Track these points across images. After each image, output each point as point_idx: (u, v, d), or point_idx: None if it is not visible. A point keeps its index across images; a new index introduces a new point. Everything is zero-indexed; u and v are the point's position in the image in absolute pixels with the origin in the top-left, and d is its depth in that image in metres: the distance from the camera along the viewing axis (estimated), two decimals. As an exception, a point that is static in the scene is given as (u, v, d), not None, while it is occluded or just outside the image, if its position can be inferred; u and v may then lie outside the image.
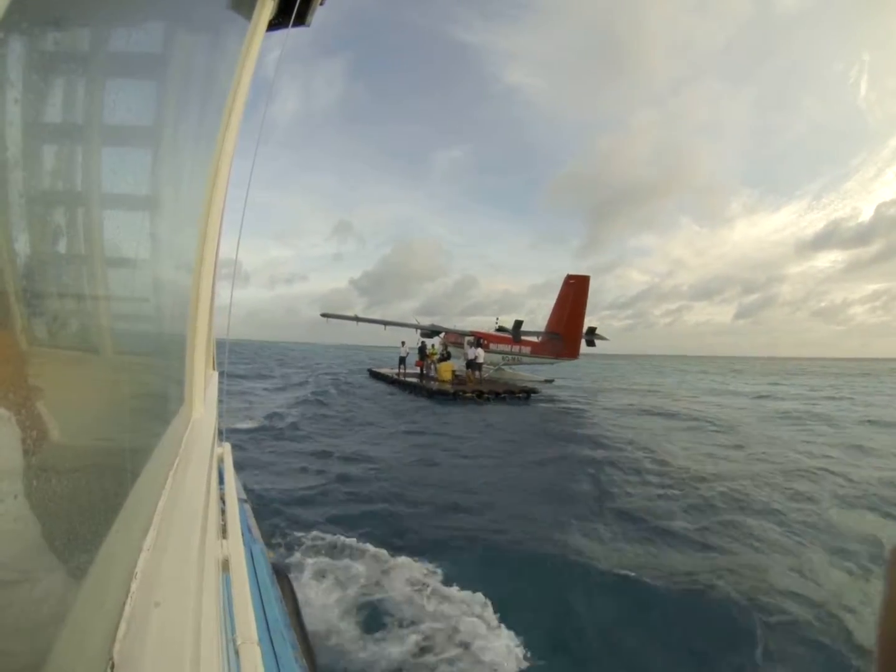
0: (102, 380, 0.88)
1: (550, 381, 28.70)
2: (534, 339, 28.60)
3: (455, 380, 24.57)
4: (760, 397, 28.53)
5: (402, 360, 28.54)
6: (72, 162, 0.71)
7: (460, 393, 21.58)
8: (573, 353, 26.79)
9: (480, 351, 25.32)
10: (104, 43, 0.71)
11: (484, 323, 32.89)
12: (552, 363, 27.84)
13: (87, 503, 0.66)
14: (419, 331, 30.50)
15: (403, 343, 28.83)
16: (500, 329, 30.50)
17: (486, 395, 21.77)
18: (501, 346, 29.19)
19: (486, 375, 27.01)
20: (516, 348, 28.75)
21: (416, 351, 28.33)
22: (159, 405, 1.39)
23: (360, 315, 30.61)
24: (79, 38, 0.63)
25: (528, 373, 29.80)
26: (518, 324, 28.60)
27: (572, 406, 22.03)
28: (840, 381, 47.62)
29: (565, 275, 27.33)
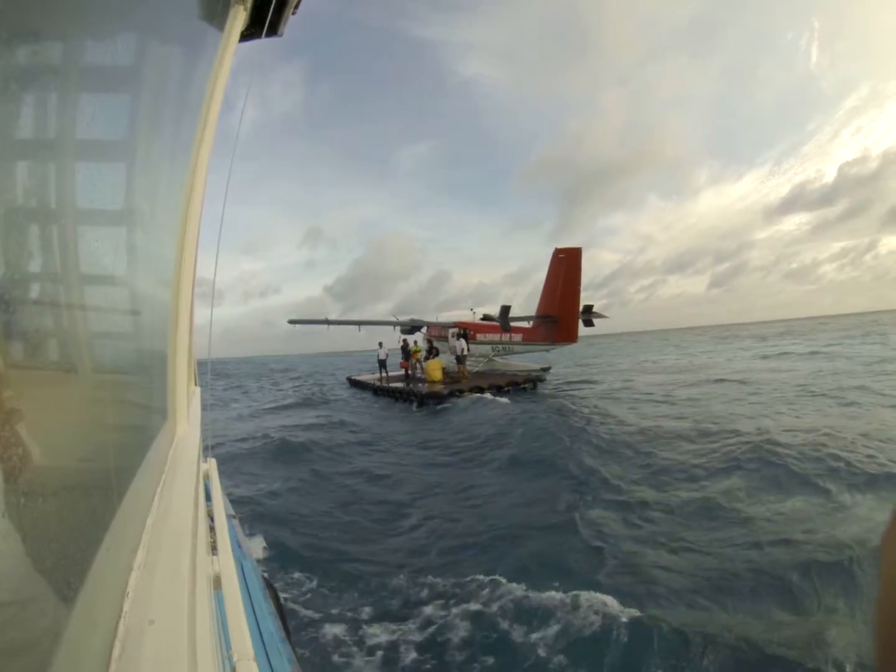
0: (83, 398, 0.87)
1: (547, 370, 26.66)
2: (525, 324, 25.92)
3: (447, 378, 21.88)
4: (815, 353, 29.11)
5: (383, 364, 25.15)
6: (45, 176, 0.70)
7: (457, 393, 18.50)
8: (570, 336, 23.79)
9: (463, 343, 22.88)
10: (77, 55, 0.70)
11: (461, 317, 30.22)
12: (548, 349, 25.20)
13: (74, 524, 0.64)
14: (399, 329, 27.60)
15: (381, 344, 25.54)
16: (486, 318, 27.85)
17: (488, 391, 18.84)
18: (490, 336, 26.60)
19: (475, 369, 24.93)
20: (506, 337, 25.95)
21: (399, 351, 25.59)
22: (142, 422, 1.36)
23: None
24: (51, 50, 0.62)
25: (521, 362, 27.42)
26: (505, 310, 25.19)
27: (600, 390, 19.85)
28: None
29: (553, 249, 24.52)
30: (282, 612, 2.59)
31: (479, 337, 26.46)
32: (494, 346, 26.62)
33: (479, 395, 18.49)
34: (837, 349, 31.91)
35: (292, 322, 26.05)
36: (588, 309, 24.96)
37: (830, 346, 35.41)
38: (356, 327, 26.87)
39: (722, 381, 20.33)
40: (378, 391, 23.36)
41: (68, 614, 0.53)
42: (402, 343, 25.61)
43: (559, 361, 32.83)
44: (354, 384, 28.08)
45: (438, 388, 19.81)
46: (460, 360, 22.34)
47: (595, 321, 25.69)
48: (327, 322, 26.39)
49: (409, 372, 24.66)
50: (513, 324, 25.33)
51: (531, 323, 25.84)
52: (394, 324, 27.91)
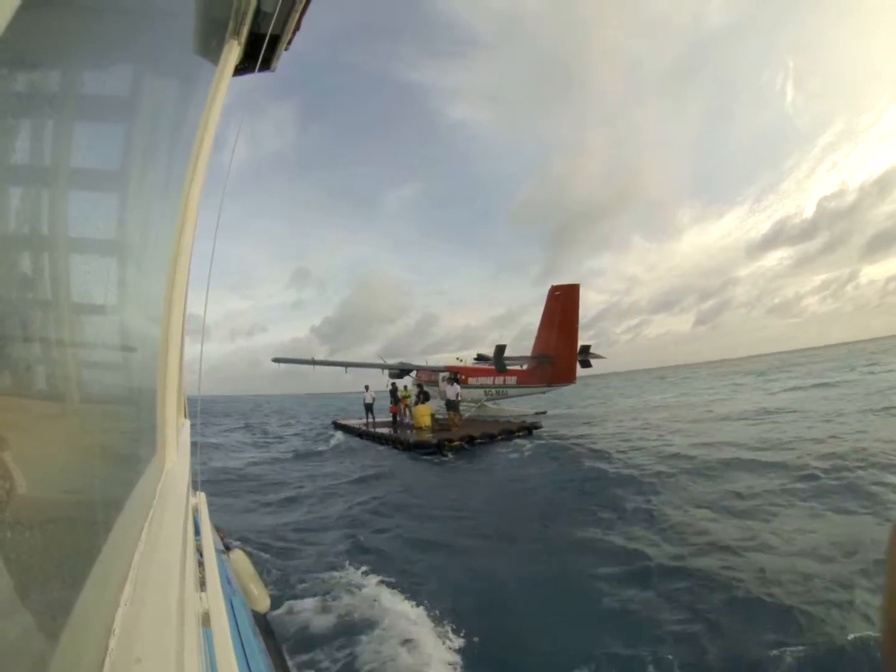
0: (70, 429, 0.85)
1: (543, 413, 24.75)
2: (518, 367, 24.59)
3: (436, 425, 19.96)
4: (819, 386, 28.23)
5: (369, 408, 23.36)
6: (38, 206, 0.70)
7: (445, 443, 16.49)
8: (569, 376, 22.52)
9: (457, 387, 20.69)
10: (73, 86, 0.71)
11: (448, 360, 28.94)
12: (545, 391, 23.67)
13: (59, 557, 0.62)
14: (387, 372, 26.00)
15: (367, 387, 23.81)
16: (480, 358, 26.64)
17: (479, 441, 17.16)
18: (482, 380, 25.17)
19: (466, 415, 22.68)
20: (500, 379, 24.50)
21: (386, 395, 23.88)
22: (131, 454, 1.34)
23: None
24: (47, 82, 0.63)
25: (514, 406, 25.96)
26: (500, 350, 23.70)
27: (609, 436, 16.81)
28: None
29: (549, 286, 23.32)
30: (280, 652, 2.51)
31: (471, 381, 24.99)
32: (487, 389, 25.15)
33: (467, 443, 16.93)
34: (852, 377, 31.74)
35: (277, 360, 24.98)
36: (585, 349, 23.79)
37: (842, 374, 35.19)
38: (342, 369, 25.77)
39: (775, 412, 19.16)
40: (363, 436, 21.98)
41: (53, 651, 0.51)
42: (390, 387, 23.94)
43: (555, 403, 30.99)
44: (339, 428, 26.52)
45: (427, 436, 18.03)
46: (452, 406, 20.33)
47: (606, 359, 24.70)
48: (313, 362, 24.90)
49: (398, 418, 23.00)
50: (507, 365, 24.07)
51: (524, 365, 24.67)
52: (382, 366, 26.46)
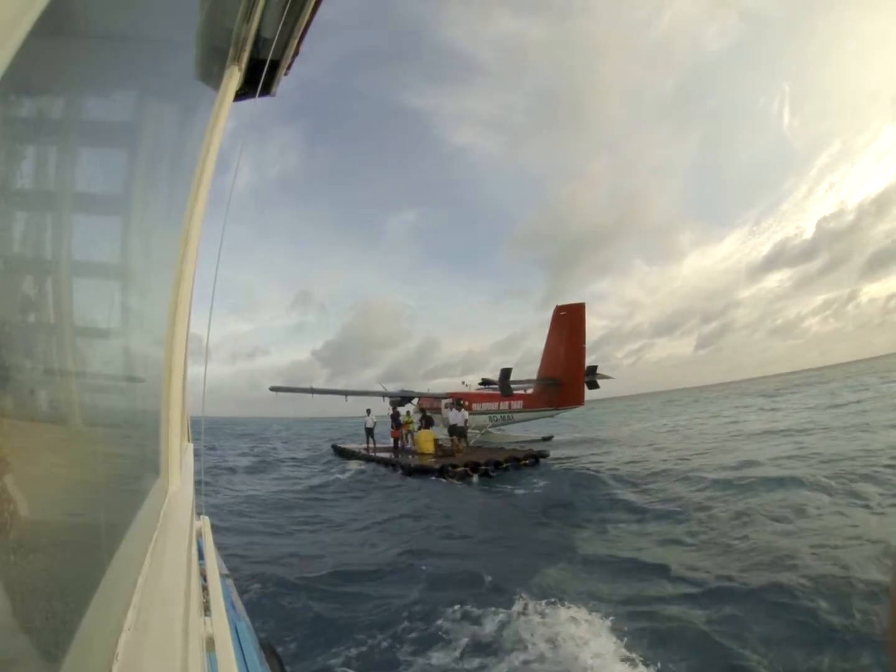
0: (73, 453, 0.85)
1: (549, 439, 24.33)
2: (522, 390, 23.65)
3: (440, 451, 19.19)
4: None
5: (370, 432, 23.07)
6: (42, 232, 0.71)
7: (449, 468, 15.86)
8: (576, 398, 21.60)
9: (465, 413, 20.30)
10: (76, 114, 0.73)
11: (449, 385, 28.12)
12: (552, 415, 22.74)
13: (62, 582, 0.61)
14: (388, 399, 25.25)
15: (369, 411, 23.32)
16: (485, 383, 25.57)
17: (485, 467, 16.18)
18: (487, 405, 24.19)
19: (471, 442, 21.88)
20: (505, 404, 23.51)
21: (388, 420, 23.56)
22: (134, 478, 1.33)
23: (321, 386, 25.94)
24: (52, 108, 0.64)
25: (520, 431, 25.26)
26: (506, 374, 22.73)
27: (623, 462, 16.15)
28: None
29: (555, 306, 22.53)
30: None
31: (475, 407, 23.98)
32: (492, 415, 24.19)
33: (470, 471, 16.02)
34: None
35: (274, 389, 24.28)
36: (592, 370, 23.01)
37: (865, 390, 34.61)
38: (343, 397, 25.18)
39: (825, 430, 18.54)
40: (363, 459, 21.45)
41: (55, 676, 0.50)
42: (392, 412, 23.57)
43: (557, 428, 29.22)
44: (339, 452, 25.72)
45: (429, 460, 17.63)
46: (458, 432, 19.61)
47: (614, 379, 23.85)
48: (311, 391, 24.83)
49: (400, 443, 22.60)
50: (513, 388, 23.03)
51: (528, 389, 23.76)
52: (382, 394, 25.65)
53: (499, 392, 23.31)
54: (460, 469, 15.90)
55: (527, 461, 17.56)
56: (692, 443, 20.47)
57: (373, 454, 21.28)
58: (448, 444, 19.76)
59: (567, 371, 21.38)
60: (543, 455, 18.37)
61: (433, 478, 15.92)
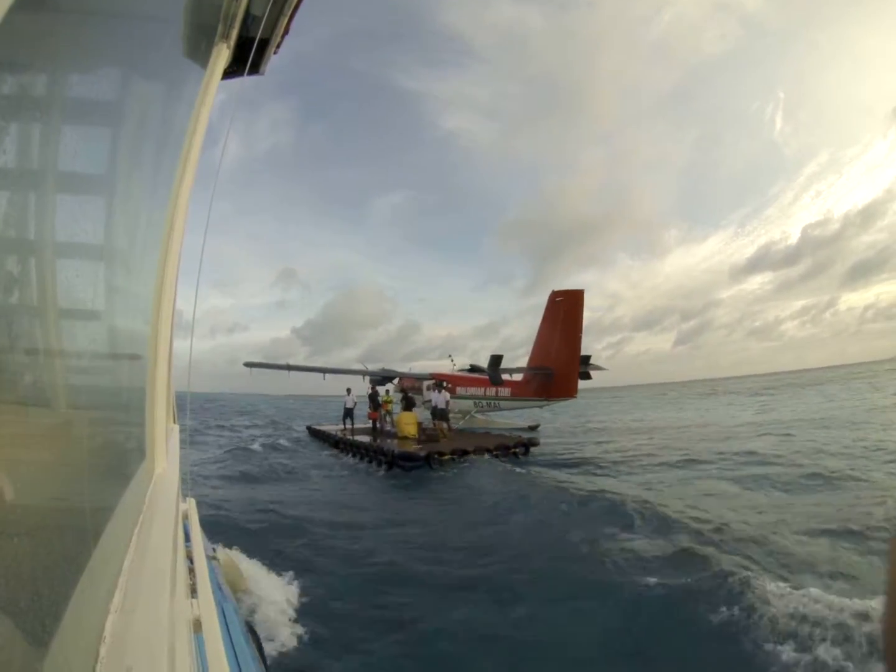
0: (58, 435, 0.84)
1: (535, 428, 23.11)
2: (508, 376, 22.17)
3: (423, 435, 17.53)
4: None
5: (349, 413, 21.07)
6: (26, 210, 0.69)
7: (435, 456, 14.48)
8: (569, 390, 20.33)
9: (446, 395, 18.70)
10: (61, 90, 0.71)
11: (428, 367, 26.97)
12: (541, 405, 21.59)
13: (48, 565, 0.61)
14: (368, 378, 23.75)
15: (349, 390, 21.33)
16: (474, 368, 23.81)
17: (473, 454, 15.12)
18: (472, 390, 22.98)
19: (454, 426, 20.56)
20: (492, 390, 22.20)
21: (367, 399, 21.65)
22: (120, 461, 1.32)
23: (299, 363, 24.13)
24: (36, 84, 0.62)
25: (503, 419, 23.76)
26: (496, 360, 21.18)
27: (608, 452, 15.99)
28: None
29: (551, 291, 20.99)
30: (263, 658, 2.48)
31: (459, 391, 22.63)
32: (477, 401, 22.97)
33: (458, 458, 14.88)
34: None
35: (249, 365, 22.60)
36: (585, 360, 21.31)
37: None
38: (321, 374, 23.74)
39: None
40: (339, 445, 19.63)
41: (42, 659, 0.50)
42: (370, 391, 21.77)
43: (546, 418, 28.53)
44: (314, 434, 24.35)
45: (412, 446, 15.93)
46: (439, 415, 18.08)
47: (608, 370, 22.20)
48: (288, 367, 23.12)
49: (378, 424, 20.83)
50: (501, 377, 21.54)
51: (513, 376, 22.33)
52: (363, 373, 24.21)
53: (485, 376, 22.02)
54: (447, 457, 14.68)
55: (517, 449, 16.40)
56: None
57: (350, 437, 19.22)
58: (430, 428, 18.26)
59: (560, 361, 20.13)
60: (534, 443, 17.22)
61: (417, 467, 14.29)
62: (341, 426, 21.58)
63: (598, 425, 28.85)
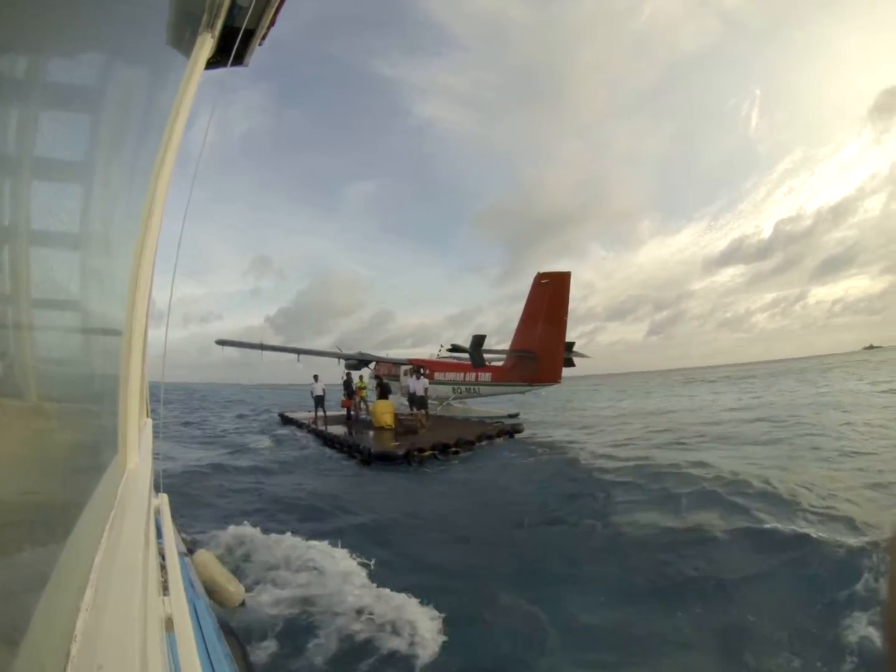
0: (28, 429, 0.82)
1: (514, 416, 21.84)
2: (485, 359, 21.32)
3: (400, 426, 16.23)
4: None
5: (320, 401, 19.70)
6: (0, 196, 0.67)
7: (415, 454, 13.11)
8: (553, 375, 19.52)
9: (425, 381, 17.21)
10: (40, 75, 0.69)
11: (403, 355, 26.28)
12: (523, 391, 20.76)
13: (18, 562, 0.60)
14: (343, 363, 22.81)
15: (317, 377, 19.96)
16: (455, 349, 22.17)
17: (454, 449, 13.81)
18: (451, 375, 22.18)
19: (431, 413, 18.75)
20: (472, 375, 21.43)
21: (340, 388, 20.43)
22: (91, 455, 1.29)
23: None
24: (14, 68, 0.60)
25: (482, 406, 22.71)
26: (478, 341, 20.34)
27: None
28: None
29: (536, 273, 20.11)
30: (245, 658, 2.46)
31: (438, 376, 21.83)
32: (456, 386, 22.12)
33: (439, 454, 13.61)
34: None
35: (221, 343, 21.78)
36: (569, 346, 20.59)
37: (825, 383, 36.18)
38: (295, 358, 22.75)
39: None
40: (311, 433, 18.31)
41: (13, 658, 0.49)
42: (344, 377, 20.55)
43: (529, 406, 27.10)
44: (287, 422, 22.85)
45: (390, 442, 14.66)
46: (417, 402, 16.81)
47: (591, 358, 21.62)
48: (262, 347, 22.04)
49: (352, 412, 19.89)
50: (485, 357, 20.82)
51: (492, 361, 21.65)
52: (338, 356, 23.34)
53: (465, 361, 21.50)
54: (427, 453, 13.47)
55: (500, 437, 15.49)
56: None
57: (323, 426, 18.03)
58: (408, 417, 16.76)
59: (545, 345, 19.34)
60: (518, 430, 16.34)
61: (397, 466, 12.98)
62: (313, 415, 20.24)
63: (602, 413, 26.88)
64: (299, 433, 19.19)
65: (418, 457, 13.26)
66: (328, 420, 18.79)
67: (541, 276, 20.07)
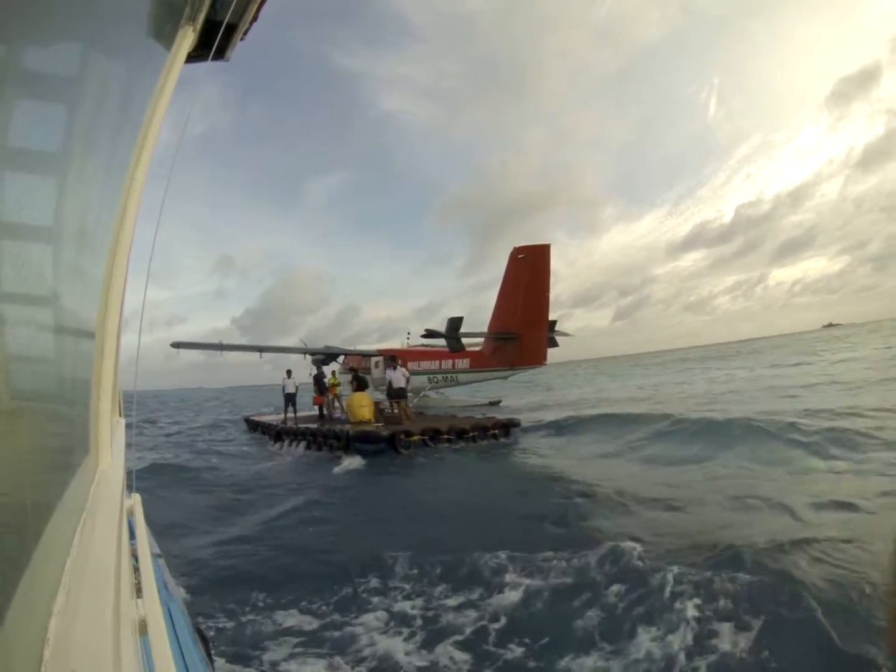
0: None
1: (496, 403, 20.91)
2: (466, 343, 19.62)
3: (381, 417, 14.73)
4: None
5: (291, 399, 17.97)
6: None
7: (402, 437, 11.80)
8: (537, 356, 18.22)
9: (404, 371, 15.50)
10: (14, 61, 0.67)
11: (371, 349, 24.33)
12: (506, 376, 19.78)
13: (-14, 565, 0.58)
14: (310, 358, 21.34)
15: (290, 373, 18.10)
16: (429, 334, 20.24)
17: (447, 436, 12.58)
18: (425, 364, 20.71)
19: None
20: (448, 363, 19.91)
21: (310, 385, 18.99)
22: (62, 455, 1.26)
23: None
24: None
25: (460, 395, 21.59)
26: (454, 325, 18.44)
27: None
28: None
29: (512, 248, 18.71)
30: (210, 659, 2.42)
31: (411, 366, 19.58)
32: (432, 376, 20.73)
33: (429, 440, 12.32)
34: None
35: (176, 346, 19.93)
36: (551, 325, 19.19)
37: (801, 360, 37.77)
38: (268, 359, 21.38)
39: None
40: (280, 436, 16.42)
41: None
42: (316, 372, 18.90)
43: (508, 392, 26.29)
44: (253, 426, 20.68)
45: (371, 427, 13.43)
46: (396, 394, 15.12)
47: (573, 336, 20.40)
48: (221, 347, 20.26)
49: (325, 411, 18.23)
50: (463, 342, 19.08)
51: (470, 347, 19.86)
52: (303, 351, 21.68)
53: (440, 348, 20.12)
54: (416, 438, 11.98)
55: (496, 430, 13.62)
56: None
57: (294, 425, 16.43)
58: (390, 408, 15.24)
59: (526, 324, 17.84)
60: (514, 423, 14.27)
61: (383, 453, 11.79)
62: (283, 416, 18.68)
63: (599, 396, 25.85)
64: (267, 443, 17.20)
65: (405, 441, 11.69)
66: (299, 421, 17.38)
67: (517, 251, 18.65)
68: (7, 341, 0.84)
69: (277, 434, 16.63)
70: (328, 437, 13.34)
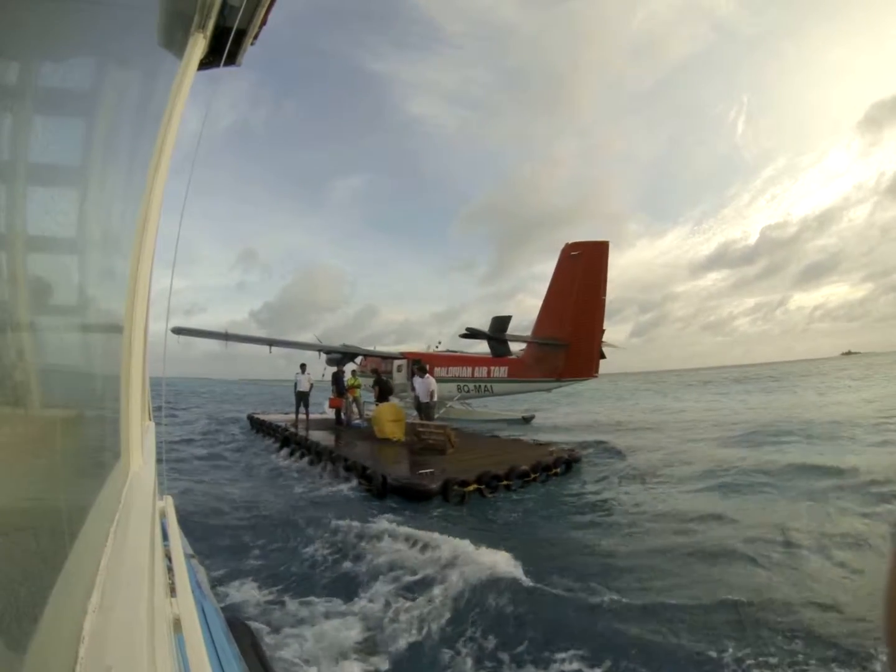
0: (31, 435, 0.82)
1: (530, 420, 18.42)
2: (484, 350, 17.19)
3: (416, 440, 11.28)
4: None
5: (303, 398, 16.09)
6: None
7: (454, 488, 8.27)
8: (587, 368, 15.65)
9: (431, 381, 13.00)
10: (34, 78, 0.69)
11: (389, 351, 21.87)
12: (550, 388, 16.77)
13: (24, 566, 0.60)
14: (324, 356, 19.19)
15: (304, 367, 16.04)
16: (471, 334, 16.66)
17: (505, 483, 8.96)
18: (455, 371, 18.09)
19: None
20: (482, 370, 17.35)
21: (328, 385, 16.62)
22: (94, 459, 1.30)
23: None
24: (7, 73, 0.60)
25: (483, 408, 19.31)
26: (502, 324, 15.92)
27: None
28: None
29: (564, 244, 16.11)
30: (259, 651, 2.48)
31: (438, 372, 17.23)
32: (462, 384, 17.95)
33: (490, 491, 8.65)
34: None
35: (177, 332, 16.24)
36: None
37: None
38: (278, 352, 17.87)
39: None
40: (288, 443, 13.54)
41: (21, 661, 0.49)
42: (336, 370, 16.73)
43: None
44: (257, 426, 18.06)
45: (401, 459, 10.38)
46: (424, 409, 13.08)
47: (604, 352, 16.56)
48: (226, 337, 17.35)
49: (344, 415, 15.72)
50: (495, 346, 16.29)
51: (519, 352, 17.45)
52: (318, 348, 19.17)
53: (471, 354, 18.12)
54: (472, 488, 8.49)
55: (557, 469, 10.36)
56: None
57: (305, 432, 13.75)
58: (431, 430, 11.44)
59: (579, 331, 15.39)
60: (575, 458, 11.02)
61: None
62: (293, 416, 16.65)
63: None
64: (273, 451, 13.86)
65: (458, 491, 8.35)
66: (311, 425, 15.17)
67: (570, 247, 16.08)
68: (38, 349, 0.87)
69: (285, 440, 13.92)
70: (352, 471, 9.79)
